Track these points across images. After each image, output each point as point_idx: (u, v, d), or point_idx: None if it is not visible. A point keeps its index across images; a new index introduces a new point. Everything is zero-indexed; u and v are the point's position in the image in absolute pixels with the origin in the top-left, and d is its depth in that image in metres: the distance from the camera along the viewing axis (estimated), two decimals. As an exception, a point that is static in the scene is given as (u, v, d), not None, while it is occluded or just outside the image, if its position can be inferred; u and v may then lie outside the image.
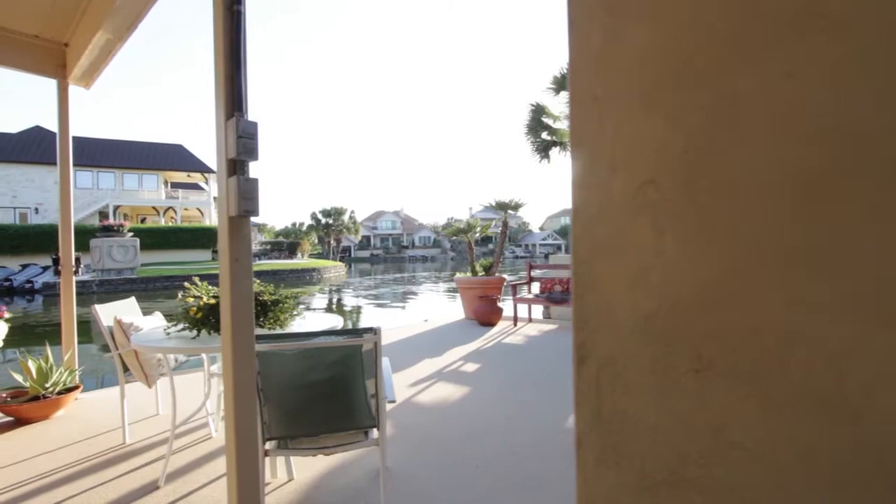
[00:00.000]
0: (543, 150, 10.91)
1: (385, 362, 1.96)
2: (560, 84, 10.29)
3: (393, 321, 11.57)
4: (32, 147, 29.15)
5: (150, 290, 18.76)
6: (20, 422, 3.04)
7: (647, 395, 0.42)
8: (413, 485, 2.18)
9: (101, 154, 29.97)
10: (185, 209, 33.85)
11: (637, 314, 0.42)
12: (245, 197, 1.39)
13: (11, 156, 28.35)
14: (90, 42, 3.15)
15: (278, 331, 2.37)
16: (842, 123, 0.32)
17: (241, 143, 1.38)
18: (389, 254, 67.73)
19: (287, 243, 37.35)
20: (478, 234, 7.83)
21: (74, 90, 3.73)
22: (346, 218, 51.07)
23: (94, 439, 2.77)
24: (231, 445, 1.42)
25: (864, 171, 0.32)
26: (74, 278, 3.71)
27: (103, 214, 28.79)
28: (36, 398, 3.09)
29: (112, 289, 18.76)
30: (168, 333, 2.40)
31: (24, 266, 22.11)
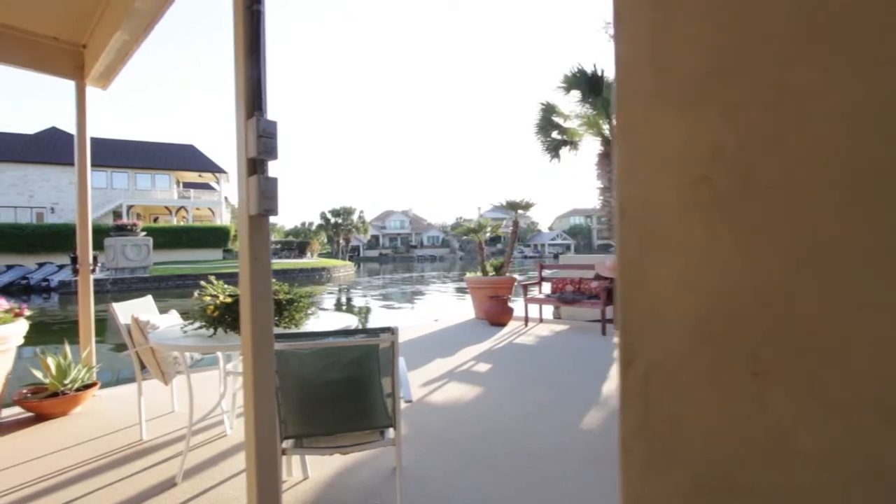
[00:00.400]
0: (553, 149, 10.86)
1: (401, 362, 1.96)
2: (570, 83, 10.23)
3: (403, 321, 11.58)
4: (49, 147, 29.67)
5: (163, 288, 18.98)
6: (40, 417, 3.09)
7: (699, 398, 0.40)
8: (428, 485, 2.18)
9: (114, 154, 30.42)
10: (197, 209, 34.25)
11: (689, 315, 0.41)
12: (265, 196, 1.40)
13: (28, 156, 28.89)
14: (108, 43, 3.19)
15: (293, 330, 2.38)
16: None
17: (262, 142, 1.39)
18: (398, 253, 67.90)
19: (297, 243, 37.59)
20: (488, 234, 7.81)
21: (90, 91, 3.78)
22: (355, 217, 51.30)
23: (112, 436, 2.80)
24: (251, 443, 1.42)
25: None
26: (92, 277, 3.76)
27: (117, 214, 29.25)
28: (55, 394, 3.13)
29: (126, 287, 19.02)
30: (185, 332, 2.41)
31: (41, 265, 22.52)
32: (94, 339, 3.71)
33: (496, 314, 6.46)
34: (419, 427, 2.88)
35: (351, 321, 2.67)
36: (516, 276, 7.22)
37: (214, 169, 34.72)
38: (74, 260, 3.77)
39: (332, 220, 50.48)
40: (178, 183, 35.22)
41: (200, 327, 2.36)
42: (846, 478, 0.35)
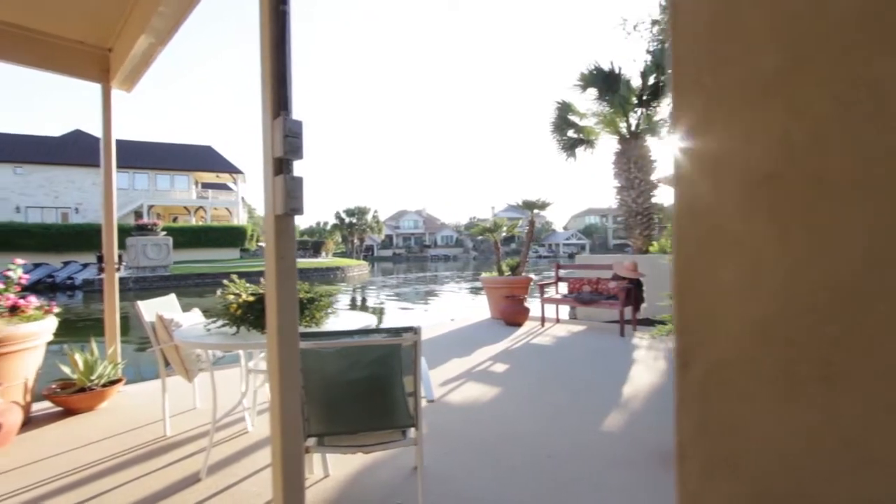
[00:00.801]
0: (569, 148, 10.77)
1: (422, 361, 1.96)
2: (587, 81, 10.13)
3: (418, 320, 11.60)
4: (73, 150, 30.55)
5: (182, 286, 19.35)
6: (68, 412, 3.17)
7: (764, 403, 0.39)
8: (448, 485, 2.17)
9: (136, 156, 31.15)
10: (215, 209, 34.88)
11: (754, 316, 0.39)
12: (291, 195, 1.41)
13: (54, 158, 29.80)
14: (133, 47, 3.26)
15: (314, 329, 2.40)
16: None
17: (288, 141, 1.39)
18: (412, 253, 68.10)
19: (312, 242, 37.95)
20: (504, 234, 7.77)
21: (115, 94, 3.87)
22: (369, 217, 51.64)
23: (137, 431, 2.86)
24: (276, 440, 1.44)
25: None
26: (117, 275, 3.85)
27: (138, 214, 29.95)
28: (82, 390, 3.21)
29: (146, 286, 19.45)
30: (208, 330, 2.45)
31: (66, 263, 23.16)
32: (119, 336, 3.79)
33: (512, 314, 6.43)
34: (438, 427, 2.87)
35: (370, 321, 2.68)
36: (531, 276, 7.17)
37: (231, 169, 35.32)
38: (101, 259, 3.86)
39: (347, 220, 50.89)
40: (196, 183, 35.90)
41: (223, 325, 2.40)
42: (928, 489, 0.33)
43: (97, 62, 3.71)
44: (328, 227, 52.70)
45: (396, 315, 13.05)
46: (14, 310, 2.96)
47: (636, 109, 9.96)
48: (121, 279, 3.92)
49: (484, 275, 7.34)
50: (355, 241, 51.22)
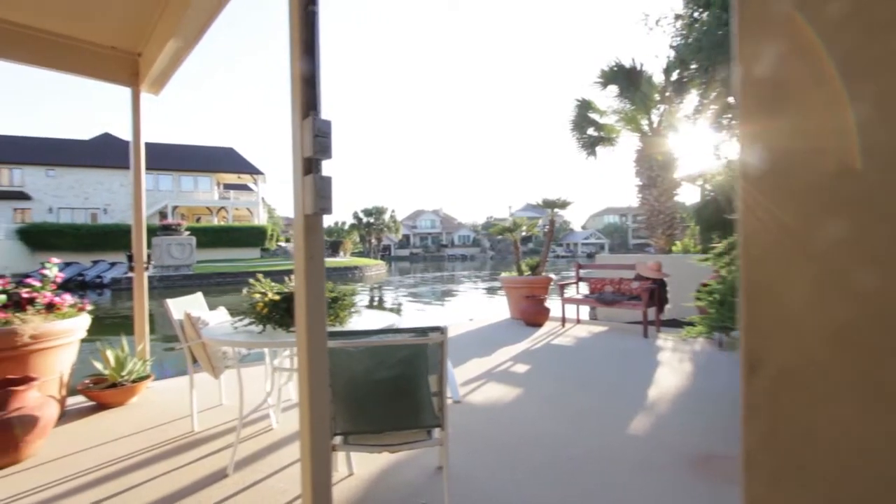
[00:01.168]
0: (590, 146, 10.63)
1: (447, 362, 1.95)
2: (608, 78, 9.98)
3: (437, 320, 11.61)
4: (102, 152, 31.58)
5: (205, 285, 19.77)
6: (100, 406, 3.27)
7: (841, 410, 0.37)
8: (472, 486, 2.16)
9: (161, 157, 31.98)
10: (236, 209, 35.58)
11: (831, 319, 0.37)
12: (320, 195, 1.42)
13: (85, 161, 30.86)
14: (162, 51, 3.33)
15: (338, 328, 2.41)
16: None
17: (317, 141, 1.40)
18: (429, 252, 68.25)
19: (330, 242, 38.40)
20: (523, 233, 7.72)
21: (144, 97, 3.96)
22: (386, 217, 51.95)
23: (166, 426, 2.93)
24: (305, 438, 1.45)
25: None
26: (146, 275, 3.95)
27: (162, 214, 30.76)
28: (114, 385, 3.31)
29: (171, 284, 19.95)
30: (235, 328, 2.49)
31: (95, 262, 23.94)
32: (148, 333, 3.89)
33: (532, 314, 6.38)
34: (460, 427, 2.86)
35: (393, 320, 2.69)
36: (551, 275, 7.10)
37: (252, 171, 35.98)
38: (130, 258, 3.97)
39: (365, 220, 51.30)
40: (218, 184, 36.69)
41: (250, 323, 2.43)
42: None
43: (127, 66, 3.81)
44: (346, 227, 53.22)
45: (415, 314, 13.08)
46: (50, 307, 3.06)
47: (658, 106, 9.78)
48: (147, 278, 4.02)
49: (504, 274, 7.31)
50: (373, 240, 51.61)
